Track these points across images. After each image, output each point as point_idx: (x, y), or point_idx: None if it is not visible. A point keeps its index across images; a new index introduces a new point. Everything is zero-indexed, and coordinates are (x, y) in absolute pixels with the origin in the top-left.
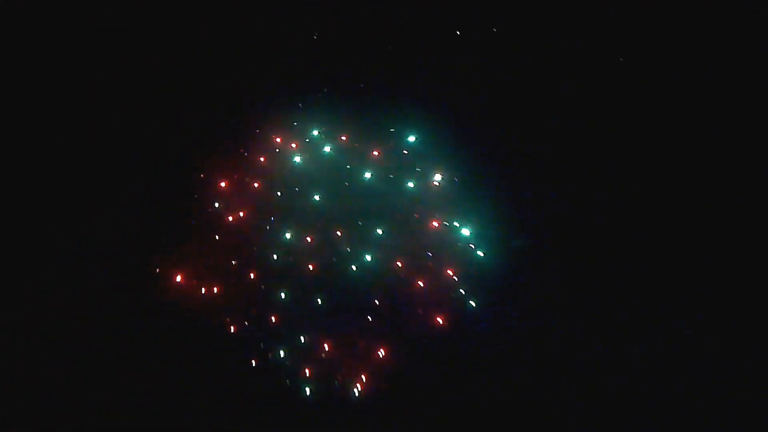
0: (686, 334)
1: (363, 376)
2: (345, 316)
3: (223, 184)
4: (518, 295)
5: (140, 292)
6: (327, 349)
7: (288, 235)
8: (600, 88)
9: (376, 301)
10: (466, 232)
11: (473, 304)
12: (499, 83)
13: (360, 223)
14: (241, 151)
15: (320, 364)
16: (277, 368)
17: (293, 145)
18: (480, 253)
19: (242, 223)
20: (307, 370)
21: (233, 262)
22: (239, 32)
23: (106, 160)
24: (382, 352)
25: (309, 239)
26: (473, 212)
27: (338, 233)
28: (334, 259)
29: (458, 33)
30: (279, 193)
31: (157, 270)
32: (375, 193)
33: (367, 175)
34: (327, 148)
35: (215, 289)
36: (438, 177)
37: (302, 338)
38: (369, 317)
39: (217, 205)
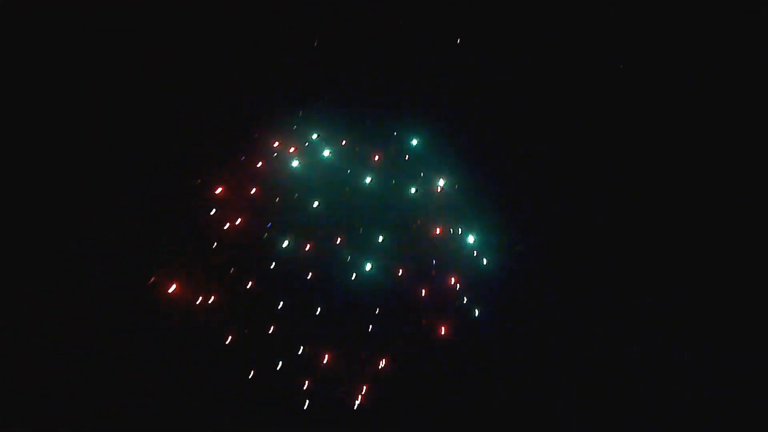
0: (692, 337)
1: (364, 387)
2: (345, 325)
3: (219, 190)
4: (523, 303)
5: (140, 292)
6: (327, 359)
7: (286, 243)
8: (604, 90)
9: (378, 310)
10: (470, 239)
11: (477, 312)
12: (503, 86)
13: (361, 229)
14: (239, 156)
15: (320, 374)
16: (276, 378)
17: (292, 150)
18: (484, 261)
19: (240, 230)
20: (306, 381)
21: (231, 270)
22: (238, 33)
23: (106, 160)
24: (383, 362)
25: (308, 246)
26: (477, 218)
27: (338, 240)
28: (334, 267)
29: (460, 40)
30: (277, 199)
31: (153, 279)
32: (376, 199)
33: (368, 180)
34: (327, 153)
35: (212, 298)
36: (441, 182)
37: (301, 348)
38: (370, 326)
39: (213, 211)
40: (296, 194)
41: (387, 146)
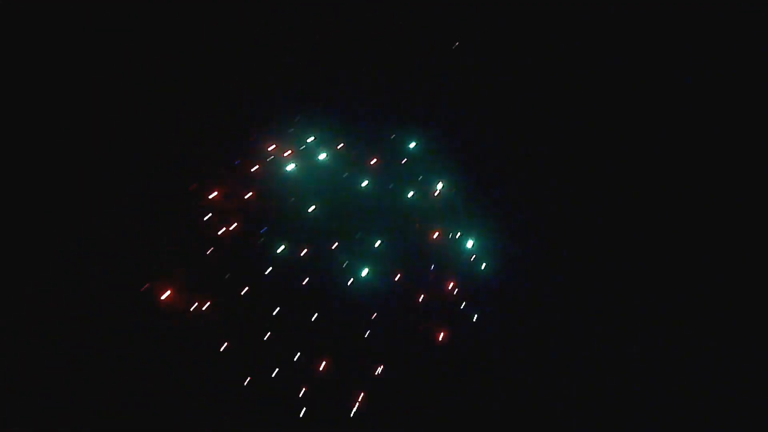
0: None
1: (361, 394)
2: (342, 331)
3: (214, 194)
4: (522, 307)
5: (139, 293)
6: (323, 366)
7: (282, 248)
8: (604, 91)
9: (374, 316)
10: (468, 243)
11: (475, 317)
12: (501, 88)
13: (357, 234)
14: (234, 159)
15: (317, 381)
16: (272, 385)
17: (288, 153)
18: (483, 265)
19: (235, 234)
20: (303, 388)
21: (226, 275)
22: (237, 33)
23: (106, 160)
24: (380, 369)
25: (304, 251)
26: (475, 222)
27: (335, 245)
28: (331, 272)
29: (458, 42)
30: (273, 204)
31: (147, 285)
32: (373, 203)
33: (365, 183)
34: (323, 156)
35: (207, 304)
36: (440, 186)
37: (298, 354)
38: (367, 332)
39: (207, 216)
40: (292, 198)
41: (384, 149)
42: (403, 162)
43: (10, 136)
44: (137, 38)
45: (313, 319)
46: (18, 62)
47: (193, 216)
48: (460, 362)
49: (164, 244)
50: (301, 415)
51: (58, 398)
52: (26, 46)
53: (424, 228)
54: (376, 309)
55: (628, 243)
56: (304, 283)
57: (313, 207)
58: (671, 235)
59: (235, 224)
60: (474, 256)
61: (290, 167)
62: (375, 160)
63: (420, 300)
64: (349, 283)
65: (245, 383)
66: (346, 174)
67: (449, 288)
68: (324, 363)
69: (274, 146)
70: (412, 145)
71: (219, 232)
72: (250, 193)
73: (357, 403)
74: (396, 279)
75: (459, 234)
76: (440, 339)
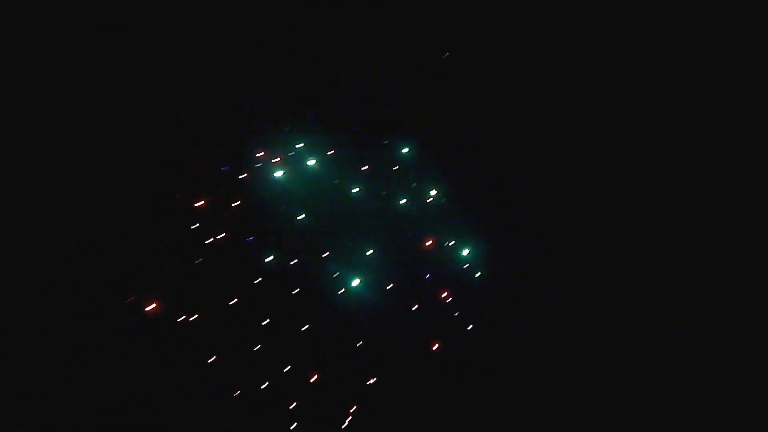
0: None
1: (354, 406)
2: (333, 342)
3: (201, 203)
4: (518, 317)
5: (138, 293)
6: (315, 377)
7: (271, 257)
8: (604, 91)
9: (366, 326)
10: (463, 251)
11: (470, 326)
12: (500, 90)
13: (349, 243)
14: (221, 166)
15: (308, 393)
16: (262, 398)
17: (276, 159)
18: (477, 274)
19: (222, 244)
20: (294, 401)
21: (214, 285)
22: (237, 34)
23: (106, 160)
24: (373, 380)
25: (294, 261)
26: (470, 229)
27: (325, 254)
28: (321, 282)
29: (453, 45)
30: (261, 212)
31: (131, 298)
32: (365, 210)
33: (356, 190)
34: (312, 162)
35: (195, 315)
36: (433, 192)
37: (288, 366)
38: (359, 343)
39: (194, 225)
40: (282, 206)
41: (376, 155)
42: (396, 168)
43: (10, 136)
44: (137, 38)
45: (303, 330)
46: (18, 62)
47: (180, 225)
48: (455, 374)
49: (165, 241)
50: (292, 429)
51: (58, 398)
52: (26, 46)
53: (417, 236)
54: (368, 320)
55: (628, 243)
56: (293, 293)
57: (302, 215)
58: (671, 235)
59: (223, 233)
60: (468, 265)
61: (279, 174)
62: (367, 166)
63: (413, 310)
64: (339, 293)
65: (234, 396)
66: (337, 181)
67: (443, 297)
68: (315, 375)
69: (262, 153)
70: (405, 150)
71: (206, 242)
72: (238, 202)
73: (350, 416)
74: (388, 289)
75: (453, 242)
76: (434, 350)
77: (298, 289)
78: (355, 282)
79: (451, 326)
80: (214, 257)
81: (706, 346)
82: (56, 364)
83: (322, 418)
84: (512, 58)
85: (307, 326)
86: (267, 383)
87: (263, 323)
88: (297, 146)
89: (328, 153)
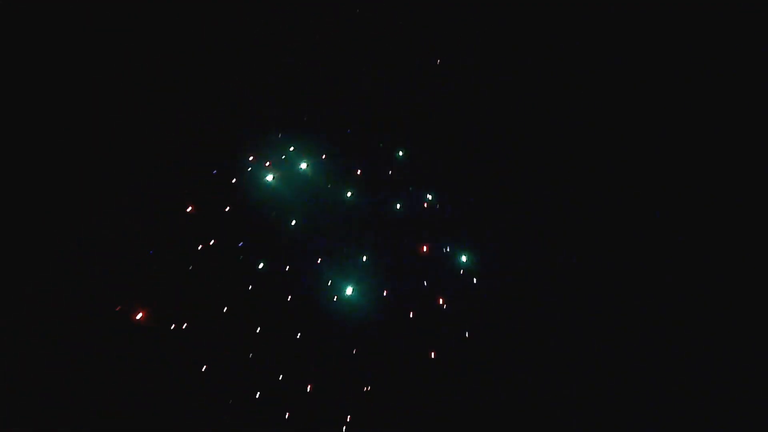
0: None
1: (348, 416)
2: (327, 350)
3: (190, 209)
4: (515, 324)
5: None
6: (308, 387)
7: (262, 264)
8: (603, 92)
9: (361, 335)
10: (461, 258)
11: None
12: (498, 92)
13: (342, 249)
14: (212, 171)
15: (302, 403)
16: (255, 408)
17: (267, 164)
18: (474, 280)
19: (213, 251)
20: (287, 411)
21: (204, 293)
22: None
23: (106, 160)
24: (367, 389)
25: (286, 268)
26: (467, 235)
27: (318, 261)
28: (315, 290)
29: (449, 47)
30: (252, 218)
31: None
32: (359, 216)
33: (350, 195)
34: (304, 166)
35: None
36: (428, 197)
37: (281, 376)
38: (353, 351)
39: (184, 231)
40: (273, 212)
41: (370, 159)
42: (391, 172)
43: (10, 136)
44: (137, 38)
45: (296, 338)
46: (18, 62)
47: (172, 230)
48: (451, 382)
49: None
50: None
51: (58, 398)
52: (26, 46)
53: (412, 242)
54: (363, 327)
55: (628, 243)
56: (286, 301)
57: (294, 221)
58: (671, 235)
59: (213, 240)
60: (464, 271)
61: (270, 178)
62: (360, 170)
63: (409, 317)
64: (333, 301)
65: (227, 405)
66: (330, 185)
67: (440, 304)
68: (309, 384)
69: (252, 157)
70: (401, 154)
71: (197, 248)
72: (228, 207)
73: (345, 426)
74: (383, 296)
75: (449, 248)
76: (431, 357)
77: (290, 297)
78: (349, 290)
79: (447, 333)
80: (204, 264)
81: (706, 346)
82: (56, 364)
83: (317, 428)
84: (512, 59)
85: (300, 335)
86: (259, 393)
87: (256, 331)
88: (289, 149)
89: (321, 156)
